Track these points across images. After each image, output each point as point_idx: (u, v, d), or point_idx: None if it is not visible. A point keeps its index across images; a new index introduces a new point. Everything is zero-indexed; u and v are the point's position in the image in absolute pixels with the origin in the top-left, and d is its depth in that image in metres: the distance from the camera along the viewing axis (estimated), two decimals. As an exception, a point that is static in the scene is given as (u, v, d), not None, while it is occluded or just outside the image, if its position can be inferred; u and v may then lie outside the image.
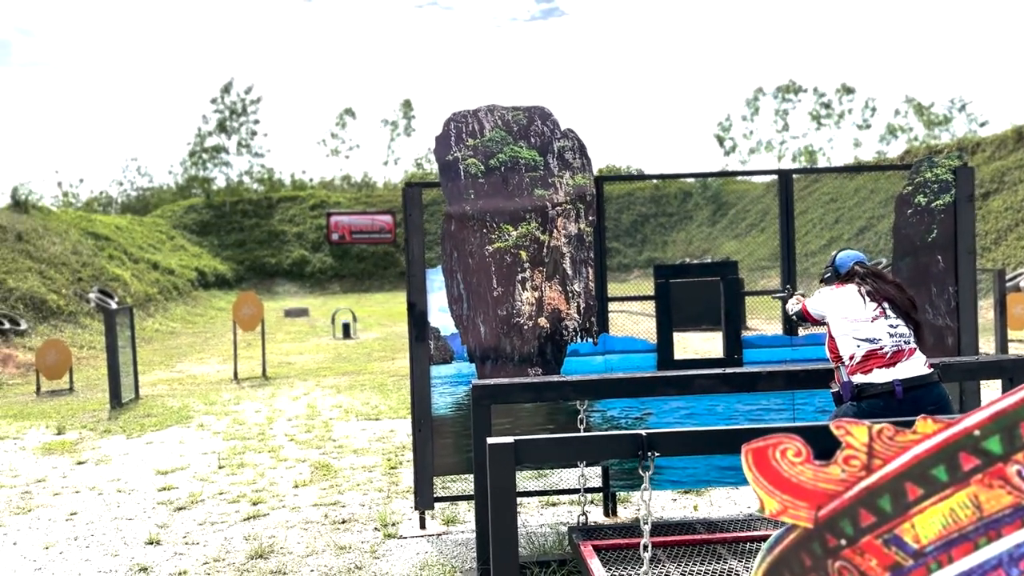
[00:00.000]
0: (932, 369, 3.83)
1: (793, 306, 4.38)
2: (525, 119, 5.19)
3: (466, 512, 5.49)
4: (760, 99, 53.04)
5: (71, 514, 5.88)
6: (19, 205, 25.47)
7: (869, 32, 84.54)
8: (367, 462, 7.07)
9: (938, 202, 5.25)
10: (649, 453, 2.96)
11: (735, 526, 4.48)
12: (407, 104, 55.70)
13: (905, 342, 3.82)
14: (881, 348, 3.80)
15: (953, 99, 54.91)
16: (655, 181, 44.26)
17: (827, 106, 51.61)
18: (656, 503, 5.61)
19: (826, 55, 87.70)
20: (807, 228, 29.46)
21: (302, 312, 26.56)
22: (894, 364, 3.76)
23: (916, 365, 3.78)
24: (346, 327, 18.88)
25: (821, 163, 51.01)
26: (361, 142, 73.64)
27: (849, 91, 51.40)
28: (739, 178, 44.67)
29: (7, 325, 15.92)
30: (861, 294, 3.92)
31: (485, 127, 5.14)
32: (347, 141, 55.70)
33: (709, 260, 32.64)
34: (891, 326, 3.84)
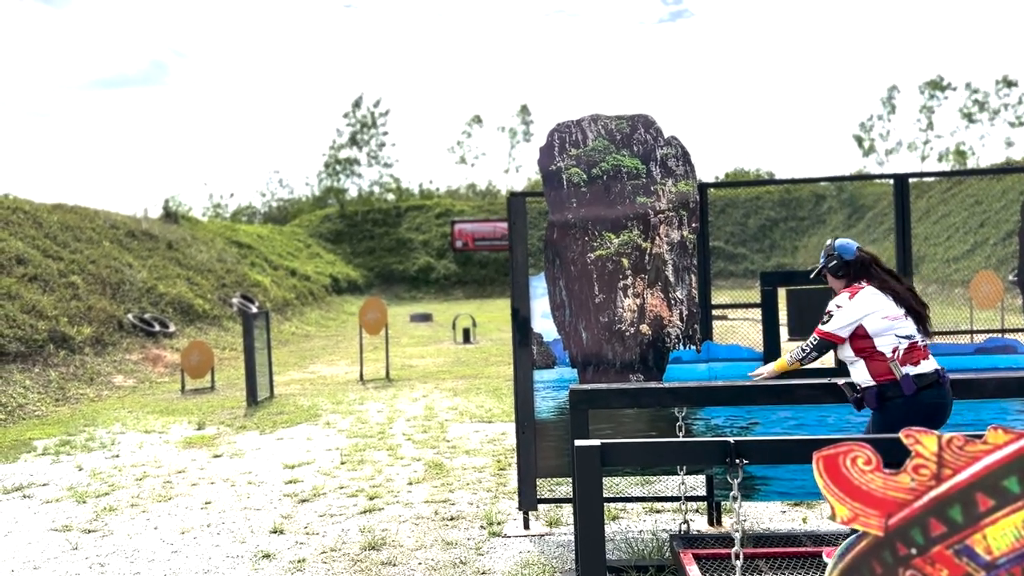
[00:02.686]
0: None
1: (797, 354, 4.06)
2: (628, 127, 5.25)
3: (569, 514, 5.58)
4: (896, 97, 50.48)
5: (206, 503, 6.36)
6: (170, 216, 27.44)
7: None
8: (478, 463, 7.28)
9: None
10: (737, 460, 2.97)
11: (841, 539, 4.37)
12: (524, 109, 56.34)
13: (927, 336, 3.94)
14: (918, 342, 3.86)
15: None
16: (784, 185, 42.80)
17: (980, 103, 48.47)
18: (763, 514, 5.53)
19: (979, 49, 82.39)
20: (949, 232, 27.81)
21: (426, 317, 27.32)
22: (928, 356, 3.87)
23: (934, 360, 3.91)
24: (466, 332, 19.33)
25: (971, 163, 47.99)
26: (487, 150, 74.85)
27: (1010, 84, 48.01)
28: (877, 180, 42.55)
29: (157, 327, 17.23)
30: (888, 293, 3.91)
31: (588, 136, 5.23)
32: (473, 149, 56.96)
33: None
34: (915, 322, 3.92)
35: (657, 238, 5.10)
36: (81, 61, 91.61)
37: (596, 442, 2.95)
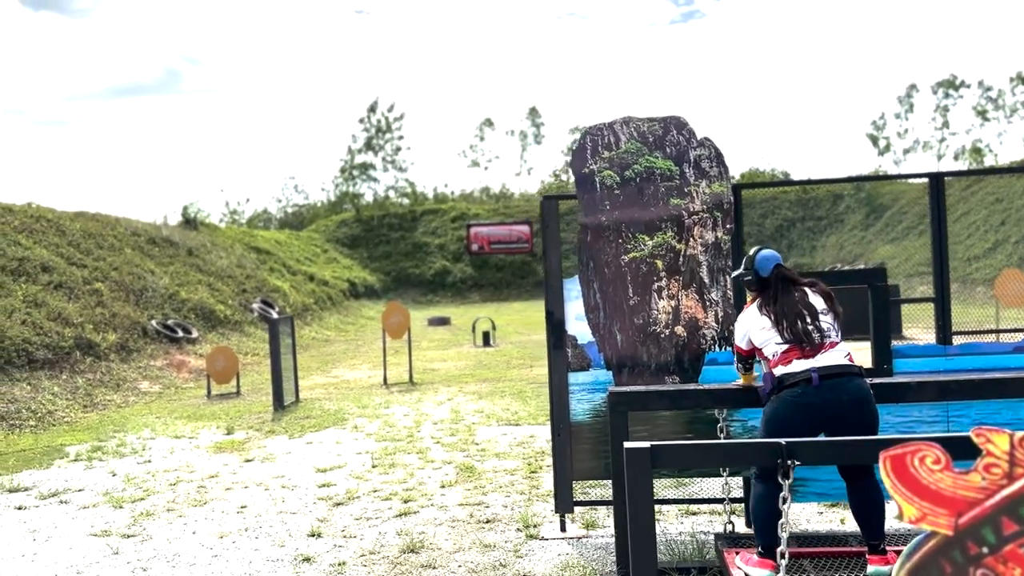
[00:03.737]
0: (853, 363, 3.96)
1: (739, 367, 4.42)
2: (660, 129, 5.26)
3: (605, 517, 5.59)
4: (914, 96, 50.19)
5: (241, 507, 6.41)
6: (189, 222, 27.61)
7: (1040, 17, 78.03)
8: (508, 465, 7.30)
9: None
10: (788, 462, 2.97)
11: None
12: (534, 112, 56.42)
13: (824, 337, 3.96)
14: (799, 344, 3.96)
15: None
16: (810, 185, 42.59)
17: (993, 100, 48.05)
18: (801, 515, 5.52)
19: (992, 46, 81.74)
20: (970, 231, 27.60)
21: (444, 321, 27.38)
22: (813, 356, 3.91)
23: (836, 356, 3.92)
24: (486, 335, 19.35)
25: (988, 161, 47.62)
26: (500, 153, 75.00)
27: None
28: (896, 180, 42.26)
29: (180, 333, 17.36)
30: (764, 313, 4.08)
31: (621, 139, 5.25)
32: (486, 152, 57.05)
33: (862, 266, 31.09)
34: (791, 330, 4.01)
35: (691, 239, 5.11)
36: (97, 70, 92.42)
37: (646, 444, 2.95)
